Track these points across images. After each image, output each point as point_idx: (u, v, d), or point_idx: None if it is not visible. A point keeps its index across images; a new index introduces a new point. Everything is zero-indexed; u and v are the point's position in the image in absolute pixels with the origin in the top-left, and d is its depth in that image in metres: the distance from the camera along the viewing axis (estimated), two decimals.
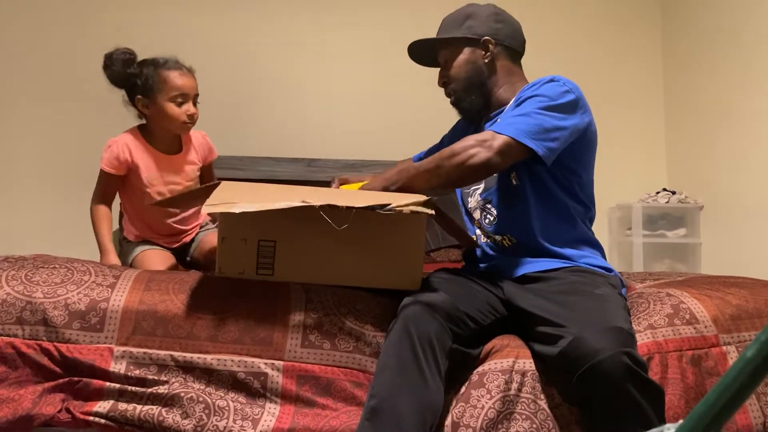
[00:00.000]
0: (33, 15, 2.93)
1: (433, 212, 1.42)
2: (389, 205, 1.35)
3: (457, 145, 1.54)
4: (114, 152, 1.97)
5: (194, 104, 2.00)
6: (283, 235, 1.50)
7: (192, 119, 2.00)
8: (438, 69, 1.81)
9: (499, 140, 1.51)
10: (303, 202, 1.35)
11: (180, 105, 1.96)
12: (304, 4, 3.14)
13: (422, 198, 1.42)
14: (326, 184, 1.94)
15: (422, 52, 1.82)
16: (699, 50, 3.09)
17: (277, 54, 3.10)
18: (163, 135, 2.04)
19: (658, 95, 3.36)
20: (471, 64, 1.73)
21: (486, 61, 1.72)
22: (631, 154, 3.29)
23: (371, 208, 1.35)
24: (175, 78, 1.96)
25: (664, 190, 3.12)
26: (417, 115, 3.12)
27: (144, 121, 2.06)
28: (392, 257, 1.52)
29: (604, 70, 3.29)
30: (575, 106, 1.59)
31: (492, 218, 1.68)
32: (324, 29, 3.15)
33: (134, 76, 1.96)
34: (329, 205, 1.36)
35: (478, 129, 1.76)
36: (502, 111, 1.72)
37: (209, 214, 2.10)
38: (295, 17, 3.13)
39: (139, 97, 1.97)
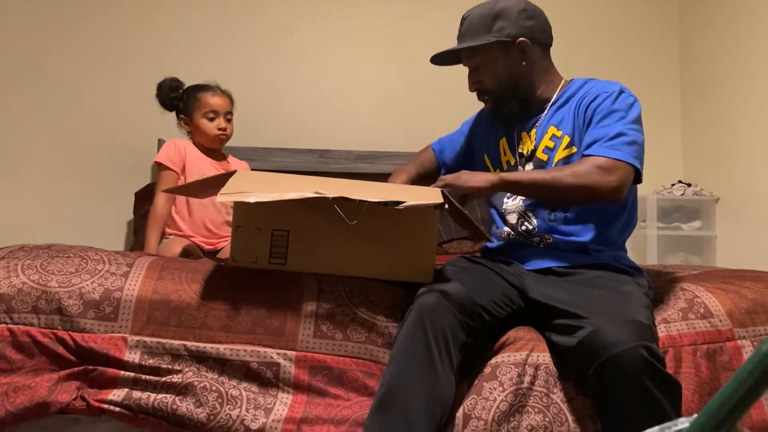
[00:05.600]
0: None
1: (446, 206, 1.41)
2: (403, 202, 1.34)
3: (579, 168, 1.50)
4: (171, 148, 2.23)
5: (227, 120, 2.27)
6: (296, 224, 1.51)
7: (224, 132, 2.26)
8: (460, 66, 1.73)
9: (623, 168, 1.50)
10: (317, 193, 1.35)
11: (211, 120, 2.24)
12: None
13: (437, 195, 1.40)
14: (338, 175, 1.94)
15: (445, 55, 1.70)
16: (717, 39, 3.05)
17: (289, 45, 3.10)
18: (207, 151, 2.30)
19: (674, 86, 3.33)
20: (506, 69, 1.64)
21: (524, 63, 1.64)
22: (647, 145, 3.22)
23: (384, 203, 1.35)
24: (208, 97, 2.25)
25: (680, 182, 3.09)
26: (430, 106, 3.11)
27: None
28: (405, 249, 1.52)
29: (619, 59, 3.26)
30: (641, 118, 1.60)
31: (531, 227, 1.63)
32: (337, 20, 3.14)
33: (178, 99, 2.29)
34: (342, 198, 1.36)
35: (510, 127, 1.72)
36: (543, 110, 1.68)
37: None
38: (309, 8, 3.12)
39: (182, 116, 2.30)
